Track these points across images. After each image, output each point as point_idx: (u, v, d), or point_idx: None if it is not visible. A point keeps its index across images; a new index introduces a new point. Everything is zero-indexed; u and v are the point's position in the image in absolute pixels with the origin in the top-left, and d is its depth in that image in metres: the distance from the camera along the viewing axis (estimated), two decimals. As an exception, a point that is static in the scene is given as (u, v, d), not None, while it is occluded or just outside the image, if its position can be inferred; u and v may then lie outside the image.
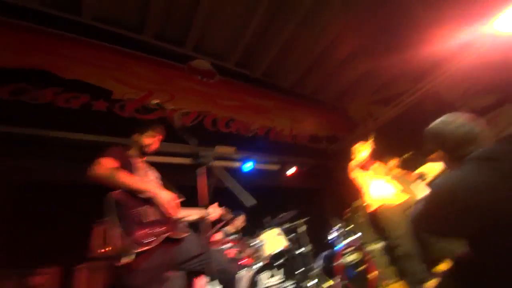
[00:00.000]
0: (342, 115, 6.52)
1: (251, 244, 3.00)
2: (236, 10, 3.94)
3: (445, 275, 1.22)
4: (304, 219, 3.41)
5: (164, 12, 3.71)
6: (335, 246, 3.30)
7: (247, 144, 4.07)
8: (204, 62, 4.44)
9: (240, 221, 3.53)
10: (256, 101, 4.66)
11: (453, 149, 1.21)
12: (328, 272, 3.13)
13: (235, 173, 4.06)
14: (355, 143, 3.61)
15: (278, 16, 4.20)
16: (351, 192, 3.83)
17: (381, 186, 3.18)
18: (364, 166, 3.25)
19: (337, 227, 3.53)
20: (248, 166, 4.27)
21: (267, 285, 2.79)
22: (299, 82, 5.48)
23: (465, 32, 4.39)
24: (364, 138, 5.67)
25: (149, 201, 1.57)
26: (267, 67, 4.86)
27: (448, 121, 1.27)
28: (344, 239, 3.26)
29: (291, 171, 4.87)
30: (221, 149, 3.76)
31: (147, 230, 1.47)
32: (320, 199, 5.35)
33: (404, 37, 4.99)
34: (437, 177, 2.10)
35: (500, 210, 0.94)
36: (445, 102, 5.35)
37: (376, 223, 3.47)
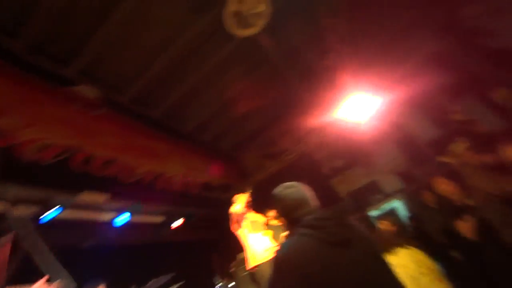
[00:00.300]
0: (237, 164, 6.26)
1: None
2: (144, 44, 3.25)
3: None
4: (178, 284, 2.58)
5: (48, 19, 2.64)
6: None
7: (126, 191, 3.05)
8: (90, 90, 3.38)
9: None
10: (148, 142, 3.80)
11: (287, 213, 1.21)
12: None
13: (105, 227, 2.92)
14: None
15: (185, 63, 3.74)
16: (239, 244, 3.30)
17: (258, 240, 2.88)
18: (240, 219, 3.02)
19: (218, 285, 2.85)
20: (122, 218, 3.21)
21: None
22: (199, 128, 5.00)
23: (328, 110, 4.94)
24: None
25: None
26: (167, 108, 4.21)
27: (284, 188, 1.29)
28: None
29: (178, 223, 3.95)
30: (88, 197, 2.65)
31: None
32: (208, 252, 4.55)
33: (288, 106, 5.33)
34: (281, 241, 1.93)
35: (328, 278, 0.95)
36: (314, 161, 5.83)
37: (255, 278, 3.00)
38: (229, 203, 5.15)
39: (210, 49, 3.63)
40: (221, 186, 5.29)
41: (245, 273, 3.32)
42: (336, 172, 5.73)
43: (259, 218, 3.24)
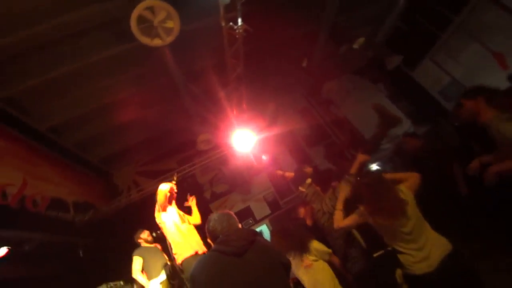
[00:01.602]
0: (106, 181, 5.31)
1: None
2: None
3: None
4: None
5: None
6: None
7: None
8: None
9: None
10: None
11: (212, 235, 1.41)
12: None
13: None
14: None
15: (57, 47, 3.01)
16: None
17: (184, 230, 2.73)
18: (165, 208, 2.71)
19: None
20: None
21: None
22: (59, 129, 3.98)
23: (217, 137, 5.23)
24: (126, 208, 4.68)
25: None
26: (13, 93, 3.13)
27: (213, 216, 1.46)
28: None
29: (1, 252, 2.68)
30: None
31: None
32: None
33: (179, 124, 5.23)
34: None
35: (218, 281, 1.20)
36: (198, 184, 5.86)
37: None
38: (88, 227, 4.21)
39: (96, 42, 3.16)
40: (78, 206, 4.27)
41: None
42: (216, 197, 5.97)
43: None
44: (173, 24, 2.98)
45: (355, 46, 5.26)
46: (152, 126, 5.08)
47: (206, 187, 5.96)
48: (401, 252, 1.74)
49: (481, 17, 4.34)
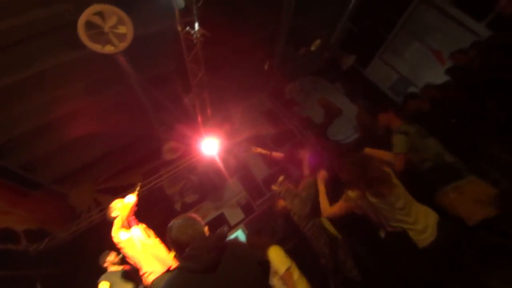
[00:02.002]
0: (61, 202, 4.84)
1: None
2: None
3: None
4: None
5: None
6: None
7: None
8: None
9: None
10: None
11: (176, 246, 1.28)
12: None
13: None
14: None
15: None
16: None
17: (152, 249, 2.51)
18: (127, 224, 2.51)
19: None
20: None
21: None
22: (3, 149, 3.53)
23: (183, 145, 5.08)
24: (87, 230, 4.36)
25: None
26: None
27: (175, 223, 1.33)
28: None
29: None
30: None
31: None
32: None
33: (140, 136, 4.99)
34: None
35: None
36: (167, 196, 5.62)
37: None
38: (45, 257, 3.77)
39: (45, 49, 2.88)
40: (31, 234, 3.81)
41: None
42: (188, 207, 5.77)
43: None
44: (126, 29, 2.83)
45: (313, 48, 5.53)
46: (111, 138, 4.75)
47: (176, 198, 5.74)
48: (405, 230, 1.80)
49: (421, 19, 4.87)
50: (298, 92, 6.47)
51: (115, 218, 2.47)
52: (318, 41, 5.42)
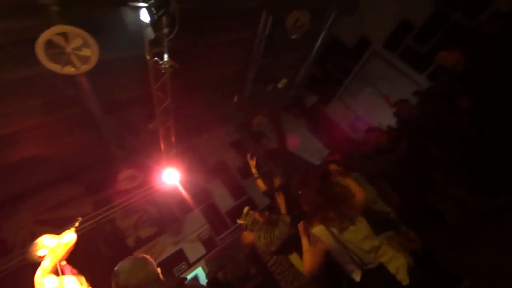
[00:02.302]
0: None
1: None
2: None
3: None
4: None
5: None
6: None
7: None
8: None
9: None
10: None
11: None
12: None
13: None
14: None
15: None
16: None
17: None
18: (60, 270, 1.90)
19: None
20: None
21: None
22: None
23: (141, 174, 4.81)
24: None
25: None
26: None
27: (121, 267, 1.20)
28: None
29: None
30: None
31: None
32: None
33: (91, 159, 4.63)
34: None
35: None
36: (119, 230, 5.12)
37: None
38: None
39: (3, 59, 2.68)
40: None
41: None
42: (142, 242, 5.28)
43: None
44: (91, 52, 2.78)
45: (280, 85, 5.93)
46: (61, 162, 4.32)
47: (129, 232, 5.25)
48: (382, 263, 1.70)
49: (372, 68, 5.59)
50: (265, 124, 6.71)
51: (41, 258, 1.94)
52: (284, 80, 5.85)
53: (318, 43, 5.37)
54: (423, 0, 4.53)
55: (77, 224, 2.23)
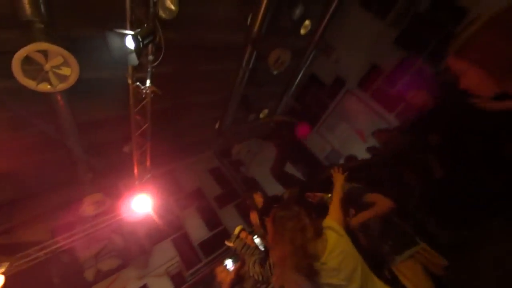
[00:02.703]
0: None
1: None
2: None
3: None
4: None
5: None
6: None
7: None
8: None
9: None
10: None
11: None
12: None
13: None
14: None
15: None
16: None
17: None
18: None
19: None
20: None
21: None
22: None
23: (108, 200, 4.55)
24: None
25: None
26: None
27: None
28: None
29: None
30: None
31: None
32: None
33: (55, 180, 4.33)
34: None
35: None
36: (77, 261, 4.65)
37: None
38: None
39: None
40: None
41: None
42: (102, 276, 4.80)
43: None
44: (70, 72, 2.76)
45: (261, 115, 6.15)
46: (21, 182, 3.98)
47: (89, 264, 4.78)
48: None
49: (347, 105, 6.00)
50: (245, 153, 6.76)
51: None
52: (266, 111, 6.09)
53: (298, 79, 5.74)
54: (391, 49, 5.10)
55: (2, 269, 1.84)
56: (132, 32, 2.16)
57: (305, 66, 5.57)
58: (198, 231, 5.87)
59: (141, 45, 2.21)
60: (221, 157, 6.79)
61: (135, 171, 3.90)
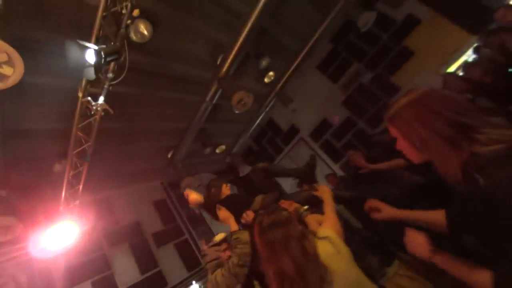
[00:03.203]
0: None
1: None
2: None
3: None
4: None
5: None
6: None
7: None
8: None
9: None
10: None
11: None
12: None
13: None
14: None
15: None
16: None
17: None
18: None
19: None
20: None
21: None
22: None
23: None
24: None
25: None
26: None
27: None
28: None
29: None
30: None
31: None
32: None
33: None
34: None
35: None
36: None
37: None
38: None
39: None
40: None
41: None
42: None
43: None
44: (12, 72, 2.48)
45: (218, 151, 6.15)
46: None
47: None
48: None
49: (299, 151, 6.45)
50: (196, 187, 6.48)
51: None
52: (223, 146, 6.14)
53: (257, 121, 6.07)
54: (339, 108, 5.88)
55: None
56: (96, 47, 2.10)
57: (265, 111, 5.97)
58: (127, 273, 5.11)
59: (103, 62, 2.15)
60: (169, 189, 6.39)
61: (63, 194, 3.40)
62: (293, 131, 6.56)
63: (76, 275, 4.41)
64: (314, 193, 1.65)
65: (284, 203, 1.84)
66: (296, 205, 1.79)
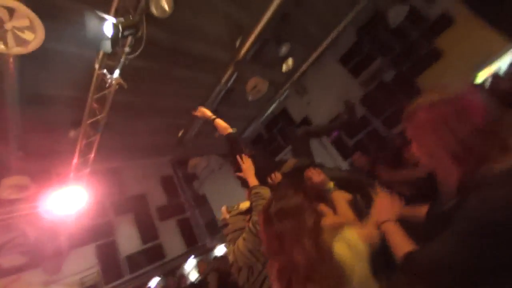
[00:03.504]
0: None
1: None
2: None
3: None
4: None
5: None
6: None
7: None
8: None
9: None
10: None
11: None
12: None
13: None
14: None
15: None
16: None
17: None
18: None
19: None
20: None
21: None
22: None
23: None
24: None
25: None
26: None
27: None
28: None
29: None
30: None
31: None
32: None
33: None
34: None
35: None
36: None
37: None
38: None
39: None
40: None
41: None
42: (2, 273, 4.04)
43: None
44: (33, 38, 2.53)
45: (227, 134, 6.16)
46: None
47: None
48: None
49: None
50: (202, 168, 6.61)
51: None
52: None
53: (270, 109, 5.99)
54: (357, 105, 5.68)
55: None
56: (114, 20, 2.10)
57: (279, 100, 5.87)
58: (129, 241, 5.38)
59: (120, 35, 2.15)
60: (177, 167, 6.54)
61: (75, 160, 3.53)
62: (306, 123, 6.45)
63: (82, 237, 4.68)
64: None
65: (312, 171, 1.67)
66: (323, 176, 1.61)
